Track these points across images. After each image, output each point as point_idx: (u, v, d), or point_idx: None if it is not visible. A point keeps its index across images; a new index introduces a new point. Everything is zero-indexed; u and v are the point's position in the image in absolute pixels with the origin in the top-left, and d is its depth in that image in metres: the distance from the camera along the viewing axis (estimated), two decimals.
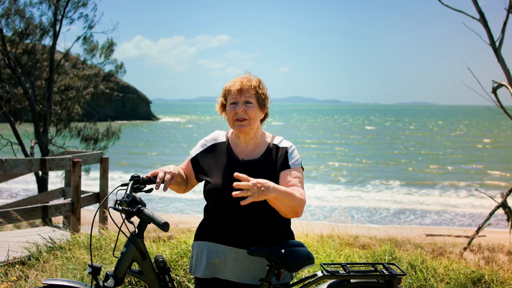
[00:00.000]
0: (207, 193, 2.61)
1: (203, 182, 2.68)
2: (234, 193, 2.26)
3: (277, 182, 2.54)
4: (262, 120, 2.71)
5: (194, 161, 2.72)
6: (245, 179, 2.29)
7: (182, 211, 17.61)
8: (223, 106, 2.68)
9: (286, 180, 2.55)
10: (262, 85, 2.67)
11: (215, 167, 2.64)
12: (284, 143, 2.66)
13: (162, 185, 2.48)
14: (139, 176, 2.49)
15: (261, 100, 2.63)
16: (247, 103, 2.59)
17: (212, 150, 2.70)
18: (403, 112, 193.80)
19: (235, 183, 2.29)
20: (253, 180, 2.29)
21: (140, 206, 2.36)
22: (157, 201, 19.51)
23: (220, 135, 2.75)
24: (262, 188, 2.29)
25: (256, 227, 2.53)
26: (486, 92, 8.38)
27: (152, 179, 2.51)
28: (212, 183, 2.59)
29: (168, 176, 2.48)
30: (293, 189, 2.47)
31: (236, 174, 2.32)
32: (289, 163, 2.59)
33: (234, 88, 2.61)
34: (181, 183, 2.67)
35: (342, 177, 28.18)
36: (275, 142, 2.67)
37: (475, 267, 4.30)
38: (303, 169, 2.65)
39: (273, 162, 2.60)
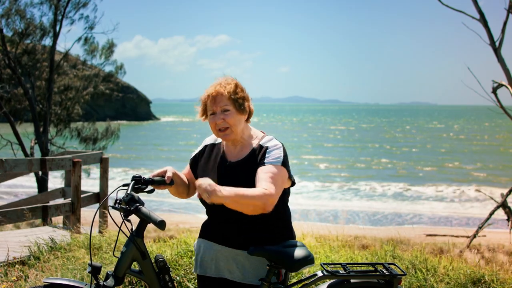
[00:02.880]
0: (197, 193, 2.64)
1: None
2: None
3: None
4: (247, 119, 2.68)
5: (192, 162, 2.78)
6: (201, 183, 2.30)
7: (178, 210, 17.63)
8: (205, 113, 2.65)
9: (257, 177, 2.48)
10: (239, 88, 2.61)
11: (206, 168, 2.68)
12: (270, 143, 2.60)
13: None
14: (140, 177, 2.50)
15: (239, 105, 2.58)
16: (224, 111, 2.56)
17: (208, 151, 2.75)
18: (402, 112, 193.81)
19: (197, 183, 2.32)
20: (200, 181, 2.29)
21: (137, 204, 2.36)
22: (153, 200, 19.51)
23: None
24: (208, 190, 2.26)
25: (244, 226, 2.53)
26: (486, 92, 8.38)
27: (154, 180, 2.51)
28: None
29: (169, 174, 2.55)
30: (255, 189, 2.40)
31: (197, 180, 2.32)
32: (264, 160, 2.52)
33: (209, 99, 2.59)
34: (180, 184, 2.70)
35: (340, 178, 28.19)
36: (262, 142, 2.63)
37: (475, 267, 4.30)
38: (288, 169, 2.57)
39: (254, 163, 2.57)
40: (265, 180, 2.43)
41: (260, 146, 2.60)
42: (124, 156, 37.35)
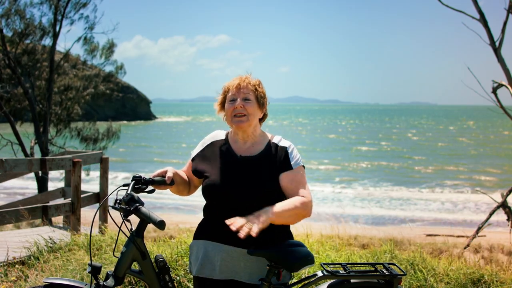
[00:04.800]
0: (204, 189, 2.62)
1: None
2: (240, 234, 2.32)
3: (275, 181, 2.55)
4: (261, 120, 2.72)
5: (194, 160, 2.75)
6: (233, 221, 2.36)
7: (178, 210, 17.63)
8: (222, 104, 2.69)
9: (288, 184, 2.56)
10: (261, 85, 2.69)
11: (213, 164, 2.65)
12: (283, 142, 2.67)
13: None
14: (140, 177, 2.49)
15: (260, 98, 2.64)
16: (245, 99, 2.60)
17: (211, 148, 2.73)
18: (402, 112, 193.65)
19: (228, 222, 2.36)
20: (243, 218, 2.36)
21: (137, 204, 2.36)
22: (152, 200, 19.51)
23: (219, 134, 2.78)
24: (260, 218, 2.37)
25: None
26: (486, 92, 8.37)
27: (155, 180, 2.51)
28: (210, 179, 2.60)
29: (169, 174, 2.55)
30: (293, 198, 2.51)
31: (226, 221, 2.38)
32: (291, 163, 2.59)
33: (233, 85, 2.63)
34: (181, 183, 2.70)
35: (339, 178, 28.19)
36: (274, 140, 2.68)
37: (475, 267, 4.30)
38: (304, 167, 2.66)
39: (271, 160, 2.60)
40: (302, 186, 2.56)
41: (276, 145, 2.65)
42: (119, 159, 37.28)
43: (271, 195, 2.53)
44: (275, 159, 2.60)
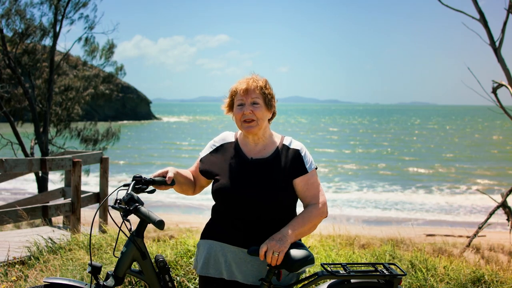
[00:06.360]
0: (215, 191, 2.62)
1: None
2: (272, 263, 2.43)
3: (289, 186, 2.57)
4: (270, 119, 2.71)
5: (203, 162, 2.74)
6: (261, 255, 2.43)
7: (178, 210, 17.63)
8: (230, 106, 2.69)
9: (304, 188, 2.59)
10: (268, 85, 2.66)
11: (223, 166, 2.65)
12: (295, 144, 2.66)
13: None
14: (141, 177, 2.49)
15: (268, 100, 2.63)
16: (254, 104, 2.59)
17: (220, 150, 2.72)
18: (403, 113, 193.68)
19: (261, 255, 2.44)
20: (265, 245, 2.43)
21: (137, 204, 2.36)
22: (152, 199, 19.52)
23: (228, 136, 2.77)
24: (280, 242, 2.41)
25: (263, 226, 2.54)
26: (486, 92, 8.37)
27: (155, 180, 2.51)
28: (220, 182, 2.60)
29: (170, 174, 2.55)
30: (309, 212, 2.55)
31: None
32: (306, 167, 2.60)
33: (241, 89, 2.61)
34: (184, 183, 2.69)
35: (339, 178, 28.20)
36: (285, 142, 2.67)
37: (475, 267, 4.30)
38: (316, 167, 2.67)
39: (282, 163, 2.60)
40: (316, 190, 2.60)
41: (287, 147, 2.64)
42: (118, 161, 37.26)
43: (283, 198, 2.55)
44: (287, 162, 2.60)
